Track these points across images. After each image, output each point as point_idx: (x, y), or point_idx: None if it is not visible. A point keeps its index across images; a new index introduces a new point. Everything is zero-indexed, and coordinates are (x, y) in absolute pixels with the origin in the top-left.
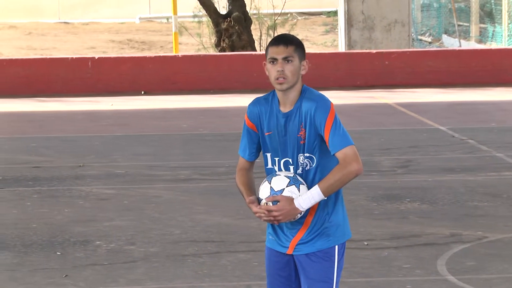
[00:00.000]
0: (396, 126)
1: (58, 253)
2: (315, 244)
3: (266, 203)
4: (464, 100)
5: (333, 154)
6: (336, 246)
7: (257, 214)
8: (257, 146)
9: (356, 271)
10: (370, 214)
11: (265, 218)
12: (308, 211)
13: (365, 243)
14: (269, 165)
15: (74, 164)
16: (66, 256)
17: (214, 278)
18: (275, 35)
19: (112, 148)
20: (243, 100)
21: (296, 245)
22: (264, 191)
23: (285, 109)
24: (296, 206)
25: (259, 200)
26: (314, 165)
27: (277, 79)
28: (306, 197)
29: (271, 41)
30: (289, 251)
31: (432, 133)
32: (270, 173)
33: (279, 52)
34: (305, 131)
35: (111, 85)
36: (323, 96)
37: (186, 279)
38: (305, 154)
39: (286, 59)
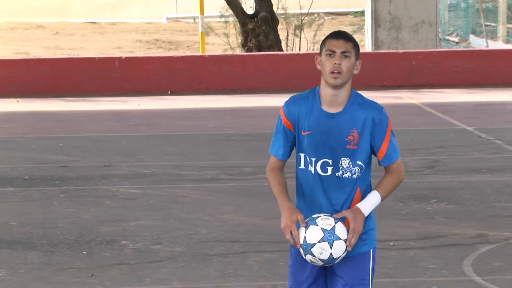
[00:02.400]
0: (423, 126)
1: (84, 252)
2: (353, 249)
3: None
4: (491, 101)
5: (387, 164)
6: (371, 250)
7: (287, 237)
8: (291, 146)
9: (382, 272)
10: (397, 215)
11: (353, 241)
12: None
13: (391, 243)
14: (302, 166)
15: (100, 164)
16: (92, 256)
17: (240, 278)
18: (302, 35)
19: (139, 147)
20: (270, 100)
21: None
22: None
23: (331, 109)
24: (363, 212)
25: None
26: (358, 177)
27: (332, 72)
28: (369, 203)
29: (330, 34)
30: None
31: (459, 133)
32: (301, 180)
33: (339, 45)
34: (358, 137)
35: (138, 85)
36: (380, 106)
37: (212, 279)
38: (356, 163)
39: (344, 54)
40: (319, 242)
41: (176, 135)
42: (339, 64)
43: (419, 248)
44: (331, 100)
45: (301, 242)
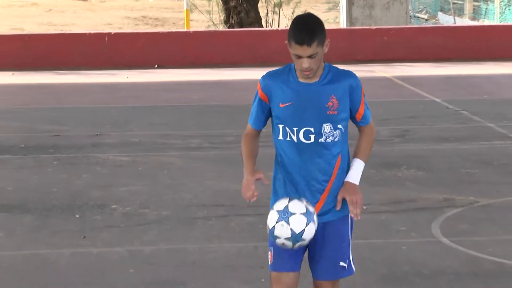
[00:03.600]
0: (394, 98)
1: (77, 216)
2: (335, 213)
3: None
4: (458, 74)
5: (361, 126)
6: (348, 214)
7: (246, 195)
8: (266, 117)
9: (356, 233)
10: (369, 181)
11: (358, 211)
12: (328, 178)
13: (364, 207)
14: (280, 137)
15: (91, 133)
16: (84, 219)
17: (223, 239)
18: (280, 12)
19: (128, 118)
20: (251, 74)
21: (318, 215)
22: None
23: (309, 81)
24: (355, 184)
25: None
26: (339, 139)
27: (304, 72)
28: (356, 173)
29: (294, 35)
30: None
31: (428, 104)
32: (281, 151)
33: (304, 51)
34: (337, 103)
35: (126, 59)
36: (353, 73)
37: (196, 240)
38: (337, 125)
39: (310, 56)
40: (276, 223)
41: (162, 107)
42: (308, 66)
43: (390, 212)
44: (307, 76)
45: (268, 231)
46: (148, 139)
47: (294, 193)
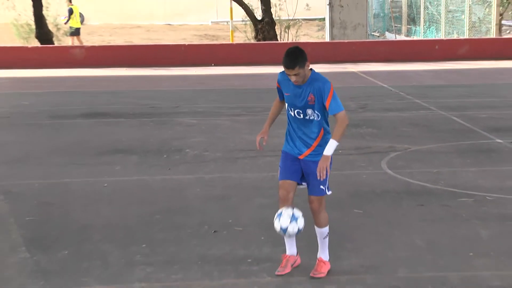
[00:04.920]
0: (358, 84)
1: (164, 156)
2: (315, 158)
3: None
4: (398, 70)
5: (333, 115)
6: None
7: (257, 140)
8: (282, 95)
9: (335, 168)
10: (344, 136)
11: (322, 174)
12: (313, 140)
13: (340, 151)
14: (288, 111)
15: (173, 105)
16: (170, 158)
17: (253, 171)
18: (289, 32)
19: (195, 96)
20: (269, 69)
21: (305, 156)
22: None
23: (300, 84)
24: (328, 155)
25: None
26: (319, 119)
27: (295, 82)
28: (331, 148)
29: (283, 61)
30: (301, 157)
31: (379, 89)
32: (288, 118)
33: (290, 72)
34: (314, 98)
35: (194, 60)
36: (326, 79)
37: (237, 171)
38: (315, 112)
39: (295, 75)
40: (290, 223)
41: (216, 89)
42: (294, 79)
43: (355, 154)
44: (296, 83)
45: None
46: (208, 109)
47: (293, 143)
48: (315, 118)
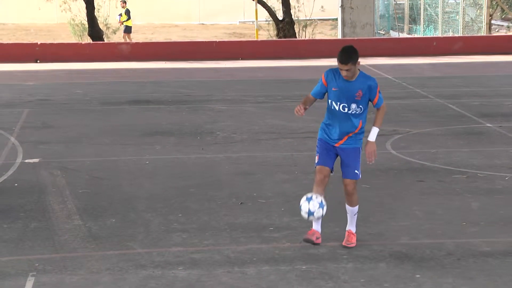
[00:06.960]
0: None
1: (198, 137)
2: (351, 146)
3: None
4: (401, 63)
5: (376, 107)
6: (360, 147)
7: (296, 110)
8: (320, 92)
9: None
10: None
11: (372, 158)
12: (352, 132)
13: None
14: (331, 106)
15: (206, 93)
16: (203, 139)
17: (275, 151)
18: (306, 30)
19: (224, 86)
20: (290, 63)
21: (342, 144)
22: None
23: (347, 79)
24: (373, 141)
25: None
26: (361, 112)
27: (345, 76)
28: (374, 134)
29: (338, 57)
30: (337, 145)
31: (384, 79)
32: (329, 111)
33: (342, 67)
34: (362, 94)
35: (224, 55)
36: (373, 78)
37: (261, 151)
38: (359, 106)
39: (347, 70)
40: (318, 208)
41: (243, 80)
42: (345, 74)
43: (365, 137)
44: (346, 78)
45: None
46: (235, 97)
47: (331, 133)
48: (358, 112)
